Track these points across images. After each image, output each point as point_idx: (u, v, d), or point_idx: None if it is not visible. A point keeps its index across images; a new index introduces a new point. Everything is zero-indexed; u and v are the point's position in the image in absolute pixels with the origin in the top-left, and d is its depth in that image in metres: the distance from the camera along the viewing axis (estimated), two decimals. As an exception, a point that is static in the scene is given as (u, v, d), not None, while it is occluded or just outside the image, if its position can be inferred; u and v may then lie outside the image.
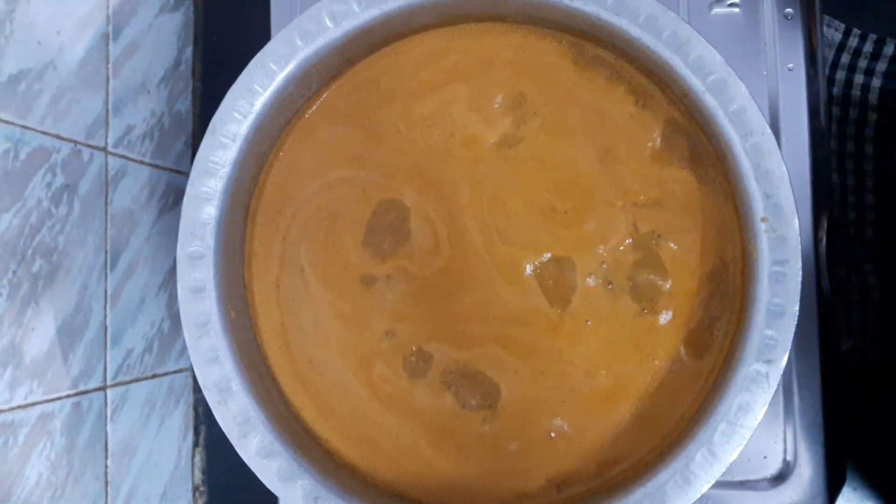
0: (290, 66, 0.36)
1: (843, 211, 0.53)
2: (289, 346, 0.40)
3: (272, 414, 0.37)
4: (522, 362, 0.39)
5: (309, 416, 0.40)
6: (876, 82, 0.51)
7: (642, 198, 0.39)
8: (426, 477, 0.39)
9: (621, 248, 0.39)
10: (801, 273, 0.34)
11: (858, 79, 0.52)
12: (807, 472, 0.43)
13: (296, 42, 0.36)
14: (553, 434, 0.39)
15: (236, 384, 0.36)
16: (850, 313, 0.52)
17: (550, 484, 0.38)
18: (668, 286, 0.38)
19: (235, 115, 0.36)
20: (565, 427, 0.39)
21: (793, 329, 0.34)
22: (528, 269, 0.39)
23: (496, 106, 0.40)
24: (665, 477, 0.34)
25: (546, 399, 0.39)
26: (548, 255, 0.39)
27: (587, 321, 0.39)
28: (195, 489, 0.56)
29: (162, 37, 0.52)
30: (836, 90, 0.52)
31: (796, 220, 0.34)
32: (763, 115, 0.35)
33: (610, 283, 0.39)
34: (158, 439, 0.52)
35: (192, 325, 0.36)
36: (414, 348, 0.40)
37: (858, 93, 0.52)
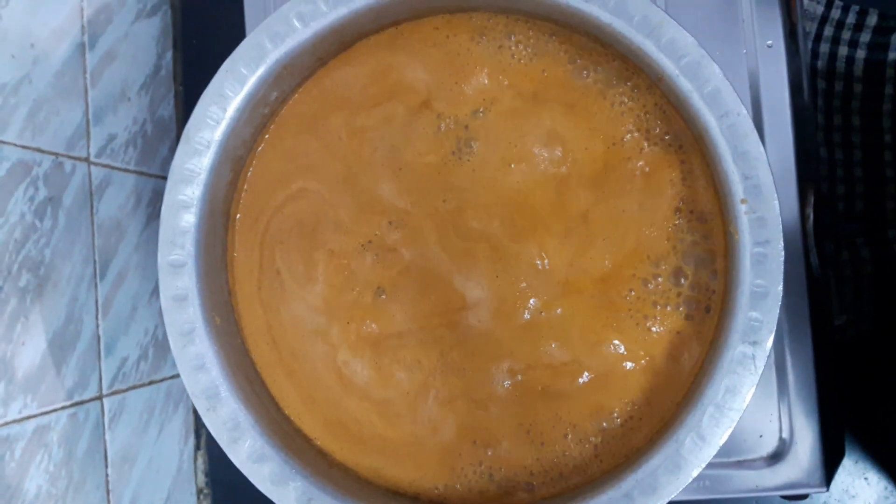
0: (261, 70, 0.36)
1: (832, 185, 0.52)
2: (275, 342, 0.40)
3: (262, 418, 0.37)
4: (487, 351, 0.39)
5: (294, 411, 0.40)
6: (860, 54, 0.51)
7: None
8: (384, 452, 0.39)
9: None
10: (783, 253, 0.34)
11: (843, 51, 0.51)
12: (803, 449, 0.43)
13: (265, 45, 0.36)
14: (539, 429, 0.39)
15: (224, 390, 0.36)
16: (842, 288, 0.52)
17: (525, 481, 0.39)
18: (651, 286, 0.38)
19: (208, 121, 0.36)
20: (556, 417, 0.39)
21: (777, 310, 0.34)
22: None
23: (446, 121, 0.39)
24: (656, 463, 0.34)
25: (524, 390, 0.39)
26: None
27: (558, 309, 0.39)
28: (199, 492, 0.56)
29: (140, 43, 0.52)
30: (820, 63, 0.52)
31: (776, 201, 0.34)
32: (743, 94, 0.35)
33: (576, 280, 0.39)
34: (159, 445, 0.52)
35: (177, 334, 0.36)
36: (373, 331, 0.40)
37: (843, 65, 0.51)
